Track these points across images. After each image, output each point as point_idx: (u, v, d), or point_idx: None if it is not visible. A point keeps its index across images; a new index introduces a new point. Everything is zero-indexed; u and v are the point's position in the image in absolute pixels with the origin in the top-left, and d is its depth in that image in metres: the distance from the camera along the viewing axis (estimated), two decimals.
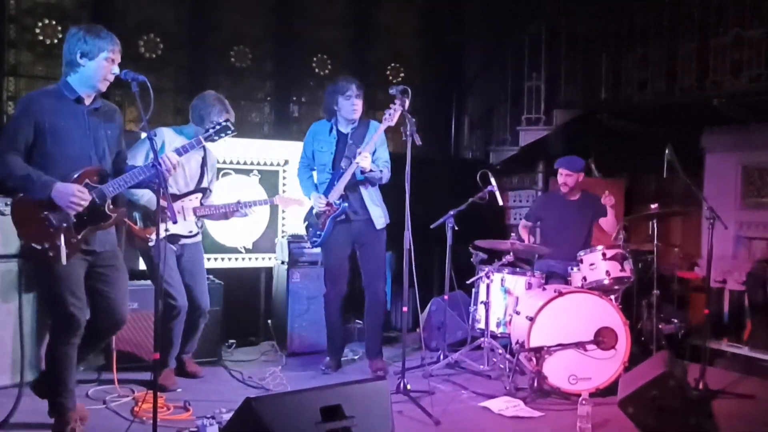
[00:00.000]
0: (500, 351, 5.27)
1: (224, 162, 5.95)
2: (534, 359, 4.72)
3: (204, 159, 4.90)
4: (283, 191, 6.20)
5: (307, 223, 5.31)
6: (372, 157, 5.03)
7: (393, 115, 4.82)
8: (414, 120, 4.59)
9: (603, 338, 4.76)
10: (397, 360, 5.10)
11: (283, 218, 6.28)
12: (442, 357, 5.49)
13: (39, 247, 3.44)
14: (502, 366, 5.23)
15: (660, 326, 5.74)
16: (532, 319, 4.76)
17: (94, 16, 6.31)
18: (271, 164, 6.23)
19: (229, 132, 4.02)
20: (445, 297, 5.75)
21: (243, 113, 7.21)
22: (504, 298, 5.50)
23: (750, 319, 6.41)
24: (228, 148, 5.89)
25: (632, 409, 4.05)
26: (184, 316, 4.77)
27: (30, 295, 4.60)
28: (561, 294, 4.83)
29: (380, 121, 4.97)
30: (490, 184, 5.55)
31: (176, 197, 4.66)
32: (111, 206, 3.62)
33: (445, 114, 8.29)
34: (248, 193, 5.88)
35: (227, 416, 3.84)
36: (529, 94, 7.46)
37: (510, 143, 7.70)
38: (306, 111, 7.63)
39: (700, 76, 6.40)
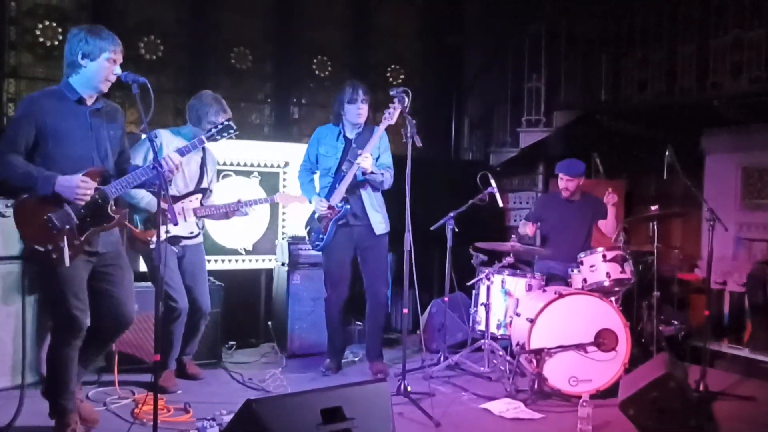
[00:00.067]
0: (501, 353, 5.27)
1: (224, 163, 5.95)
2: (534, 361, 4.72)
3: (203, 159, 4.90)
4: (285, 192, 6.18)
5: (309, 228, 5.30)
6: (375, 162, 5.05)
7: (393, 114, 4.83)
8: (414, 121, 4.59)
9: (603, 340, 4.76)
10: (397, 362, 5.10)
11: (284, 220, 6.28)
12: (442, 359, 5.49)
13: (42, 249, 3.44)
14: (502, 368, 5.23)
15: (660, 328, 5.74)
16: (532, 321, 4.76)
17: (94, 18, 6.31)
18: (272, 166, 6.23)
19: (231, 131, 4.01)
20: (446, 299, 5.75)
21: (243, 115, 7.22)
22: (504, 300, 5.50)
23: (750, 320, 6.41)
24: (228, 150, 5.90)
25: (633, 410, 4.05)
26: (184, 318, 4.77)
27: (30, 297, 4.59)
28: (561, 296, 4.83)
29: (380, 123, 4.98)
30: (490, 185, 5.55)
31: (176, 198, 4.65)
32: (114, 207, 3.62)
33: (445, 115, 8.29)
34: (248, 195, 5.86)
35: (227, 418, 3.84)
36: (529, 96, 7.47)
37: (510, 145, 7.70)
38: (306, 112, 7.64)
39: (700, 77, 6.41)
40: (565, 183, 5.83)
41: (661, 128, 7.21)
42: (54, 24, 6.31)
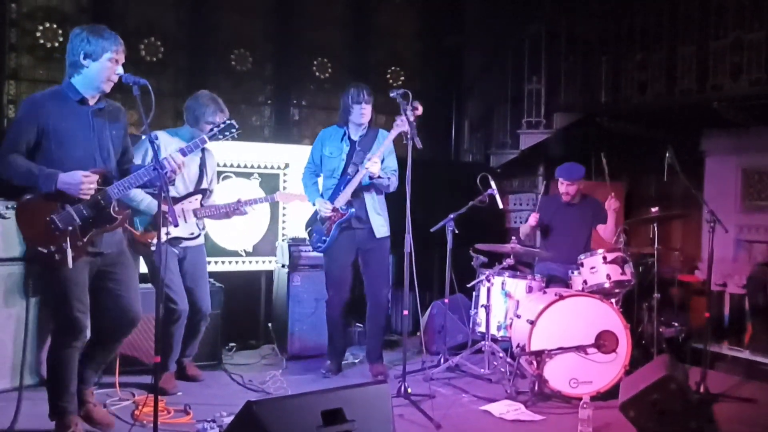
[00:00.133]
0: (501, 354, 5.26)
1: (224, 165, 5.95)
2: (535, 363, 4.72)
3: (203, 160, 4.89)
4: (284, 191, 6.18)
5: (310, 228, 5.30)
6: (381, 164, 5.06)
7: (405, 121, 4.84)
8: (414, 123, 4.59)
9: (604, 342, 4.76)
10: (397, 363, 5.09)
11: (284, 221, 6.28)
12: (442, 360, 5.48)
13: (45, 251, 3.44)
14: (502, 369, 5.22)
15: (661, 330, 5.73)
16: (532, 323, 4.76)
17: (94, 20, 6.30)
18: (272, 167, 6.23)
19: (234, 130, 3.99)
20: (446, 300, 5.75)
21: (243, 116, 7.21)
22: (505, 302, 5.49)
23: (750, 322, 6.40)
24: (228, 151, 5.90)
25: (633, 412, 4.05)
26: (184, 321, 4.77)
27: (32, 299, 4.59)
28: (562, 297, 4.83)
29: (383, 126, 4.98)
30: (490, 187, 5.55)
31: (176, 200, 4.65)
32: (116, 208, 3.62)
33: (446, 117, 8.29)
34: (249, 196, 5.86)
35: (228, 420, 3.84)
36: (529, 97, 7.47)
37: (510, 146, 7.70)
38: (306, 114, 7.64)
39: (700, 78, 6.41)
40: (565, 188, 5.84)
41: (661, 130, 7.21)
42: (54, 26, 6.31)
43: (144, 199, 4.53)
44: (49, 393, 3.68)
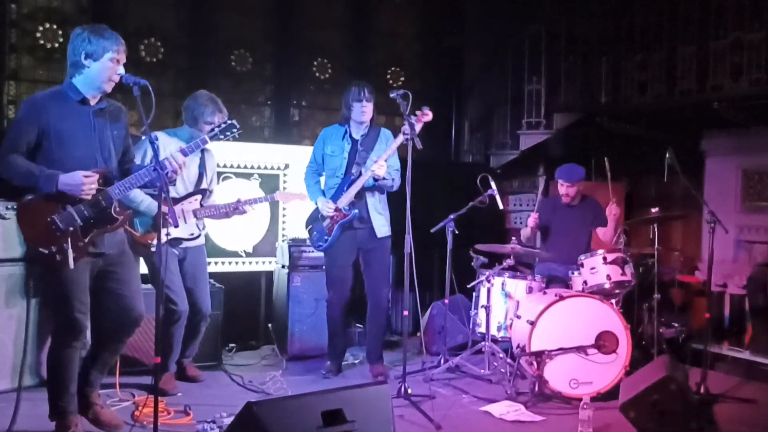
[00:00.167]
0: (501, 355, 5.26)
1: (225, 166, 5.95)
2: (535, 363, 4.72)
3: (202, 160, 4.89)
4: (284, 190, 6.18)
5: (310, 227, 5.30)
6: (370, 156, 5.08)
7: (419, 119, 4.86)
8: (415, 125, 4.59)
9: (604, 342, 4.76)
10: (397, 364, 5.09)
11: (284, 222, 6.28)
12: (442, 361, 5.48)
13: (46, 251, 3.44)
14: (503, 370, 5.22)
15: (661, 330, 5.73)
16: (533, 323, 4.76)
17: (95, 20, 6.28)
18: (272, 168, 6.23)
19: (235, 130, 3.98)
20: (446, 301, 5.74)
21: (243, 117, 7.21)
22: (505, 302, 5.49)
23: (751, 323, 6.40)
24: (228, 152, 5.91)
25: (633, 413, 4.05)
26: (184, 321, 4.77)
27: (33, 299, 4.59)
28: (562, 298, 4.83)
29: (385, 126, 4.99)
30: (490, 187, 5.54)
31: (176, 200, 4.65)
32: (117, 208, 3.62)
33: (445, 117, 8.29)
34: (248, 197, 5.86)
35: (228, 420, 3.84)
36: (529, 98, 7.47)
37: (510, 147, 7.70)
38: (306, 115, 7.64)
39: (700, 79, 6.41)
40: (565, 189, 5.84)
41: (661, 130, 7.21)
42: (54, 27, 6.31)
43: (144, 200, 4.53)
44: (49, 393, 3.68)
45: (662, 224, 5.67)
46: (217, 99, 4.79)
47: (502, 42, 7.86)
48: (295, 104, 7.60)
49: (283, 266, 5.97)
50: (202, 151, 4.84)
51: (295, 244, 5.92)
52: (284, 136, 7.30)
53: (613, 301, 5.20)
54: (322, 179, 5.33)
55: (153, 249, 4.54)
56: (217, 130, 3.97)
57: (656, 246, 5.53)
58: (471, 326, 5.70)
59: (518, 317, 5.13)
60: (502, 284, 5.52)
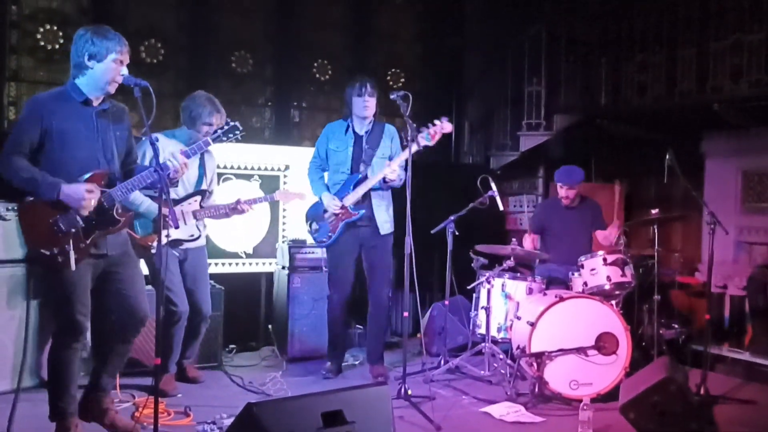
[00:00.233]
0: (501, 356, 5.26)
1: (225, 167, 5.95)
2: (535, 364, 4.72)
3: (202, 161, 4.89)
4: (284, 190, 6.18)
5: (312, 220, 5.28)
6: (390, 159, 5.12)
7: (431, 135, 4.88)
8: (414, 125, 4.60)
9: (604, 343, 4.76)
10: (398, 365, 5.09)
11: (284, 223, 6.29)
12: (442, 362, 5.48)
13: (48, 253, 3.43)
14: (503, 371, 5.22)
15: (661, 331, 5.73)
16: (533, 325, 4.76)
17: (95, 21, 6.25)
18: (272, 169, 6.24)
19: (238, 132, 3.97)
20: (446, 302, 5.75)
21: (243, 118, 7.20)
22: (505, 303, 5.49)
23: (751, 324, 6.40)
24: (229, 153, 5.91)
25: (633, 414, 4.05)
26: (185, 322, 4.77)
27: (34, 301, 4.59)
28: (562, 299, 4.83)
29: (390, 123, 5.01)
30: (490, 189, 5.55)
31: (175, 201, 4.64)
32: (119, 210, 3.62)
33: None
34: (248, 197, 5.87)
35: (228, 421, 3.85)
36: (529, 99, 7.47)
37: (510, 148, 7.70)
38: (306, 116, 7.64)
39: (700, 80, 6.41)
40: (565, 192, 5.84)
41: (661, 131, 7.21)
42: (55, 28, 6.31)
43: (143, 202, 4.52)
44: (49, 394, 3.67)
45: (662, 225, 5.67)
46: (215, 99, 4.78)
47: (502, 43, 7.86)
48: (295, 105, 7.60)
49: (283, 267, 5.97)
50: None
51: (295, 245, 5.92)
52: (284, 137, 7.30)
53: (613, 302, 5.21)
54: (326, 175, 5.32)
55: (153, 251, 4.54)
56: (219, 132, 3.97)
57: (656, 247, 5.53)
58: (471, 327, 5.70)
59: (518, 318, 5.13)
60: (502, 285, 5.52)
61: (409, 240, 4.53)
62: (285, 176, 6.27)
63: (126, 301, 3.70)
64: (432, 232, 5.67)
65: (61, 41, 6.31)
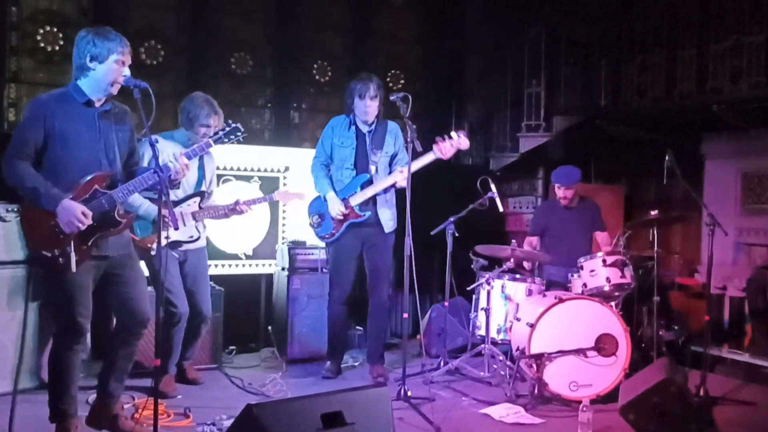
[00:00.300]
0: (501, 358, 5.27)
1: (225, 168, 5.95)
2: (535, 366, 4.72)
3: (201, 162, 4.88)
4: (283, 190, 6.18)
5: (316, 215, 5.27)
6: (394, 158, 5.16)
7: (446, 150, 4.90)
8: (414, 126, 4.60)
9: (604, 345, 4.76)
10: (397, 366, 5.09)
11: (284, 224, 6.29)
12: (442, 364, 5.48)
13: (49, 254, 3.43)
14: (502, 373, 5.23)
15: (660, 333, 5.74)
16: (532, 326, 4.76)
17: (95, 23, 6.25)
18: (272, 171, 6.24)
19: (239, 134, 3.96)
20: (446, 303, 5.75)
21: (243, 120, 7.15)
22: (504, 305, 5.49)
23: (750, 325, 6.40)
24: (228, 155, 5.91)
25: (633, 415, 4.04)
26: (184, 324, 4.77)
27: (34, 302, 4.60)
28: (561, 300, 4.83)
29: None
30: (490, 190, 5.55)
31: (174, 203, 4.64)
32: (121, 211, 3.62)
33: (445, 120, 8.29)
34: (247, 197, 5.87)
35: (228, 423, 3.85)
36: (529, 101, 7.47)
37: (510, 150, 7.70)
38: (306, 117, 7.64)
39: (700, 82, 6.42)
40: (563, 192, 5.85)
41: (660, 133, 7.21)
42: (55, 29, 6.31)
43: (142, 204, 4.52)
44: (49, 395, 3.67)
45: (662, 227, 5.68)
46: (213, 101, 4.78)
47: (502, 45, 7.86)
48: (295, 107, 7.60)
49: (282, 269, 5.97)
50: None
51: (295, 247, 5.92)
52: (284, 138, 7.30)
53: (613, 303, 5.21)
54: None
55: (153, 252, 4.54)
56: (221, 133, 3.95)
57: (656, 249, 5.53)
58: (471, 329, 5.70)
59: (518, 320, 5.14)
60: (502, 287, 5.52)
61: (408, 241, 4.53)
62: (285, 177, 6.28)
63: (127, 304, 3.70)
64: (432, 233, 5.68)
65: (61, 43, 6.31)
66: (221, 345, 5.57)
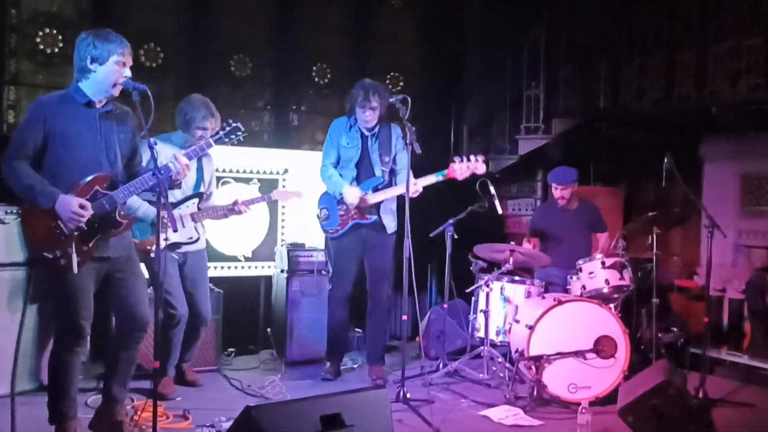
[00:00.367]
0: (500, 359, 5.27)
1: (224, 170, 5.96)
2: (533, 368, 4.72)
3: (199, 164, 4.89)
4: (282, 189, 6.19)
5: (323, 207, 5.27)
6: (395, 158, 5.20)
7: (462, 171, 4.93)
8: (414, 128, 4.61)
9: (602, 347, 4.76)
10: (396, 368, 5.10)
11: (283, 227, 6.29)
12: (441, 366, 5.48)
13: (50, 256, 3.43)
14: (501, 375, 5.23)
15: (659, 335, 5.74)
16: (531, 328, 4.76)
17: (95, 25, 6.28)
18: (271, 173, 6.24)
19: (239, 133, 3.96)
20: (445, 305, 5.76)
21: (243, 122, 7.09)
22: (503, 307, 5.49)
23: (749, 327, 6.40)
24: (228, 157, 5.91)
25: (632, 417, 4.05)
26: (183, 326, 4.77)
27: (33, 305, 4.59)
28: (560, 302, 4.84)
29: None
30: (489, 192, 5.55)
31: (173, 205, 4.64)
32: (122, 212, 3.62)
33: (445, 123, 8.29)
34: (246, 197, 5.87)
35: (227, 425, 3.85)
36: (528, 103, 7.47)
37: (509, 152, 7.70)
38: (306, 120, 7.63)
39: (699, 84, 6.42)
40: (560, 192, 5.86)
41: (659, 135, 7.21)
42: (54, 31, 6.31)
43: (140, 207, 4.51)
44: (49, 397, 3.67)
45: (661, 228, 5.68)
46: (210, 103, 4.77)
47: (501, 47, 7.86)
48: (294, 109, 7.60)
49: (282, 271, 5.97)
50: None
51: (294, 249, 5.93)
52: (283, 140, 7.30)
53: (612, 305, 5.21)
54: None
55: (152, 255, 4.54)
56: (221, 133, 3.95)
57: (655, 251, 5.54)
58: (470, 331, 5.70)
59: (517, 322, 5.14)
60: (501, 289, 5.52)
61: (408, 243, 4.54)
62: (284, 180, 6.28)
63: (127, 307, 3.70)
64: (431, 235, 5.68)
65: (61, 45, 6.31)
66: (220, 347, 5.57)
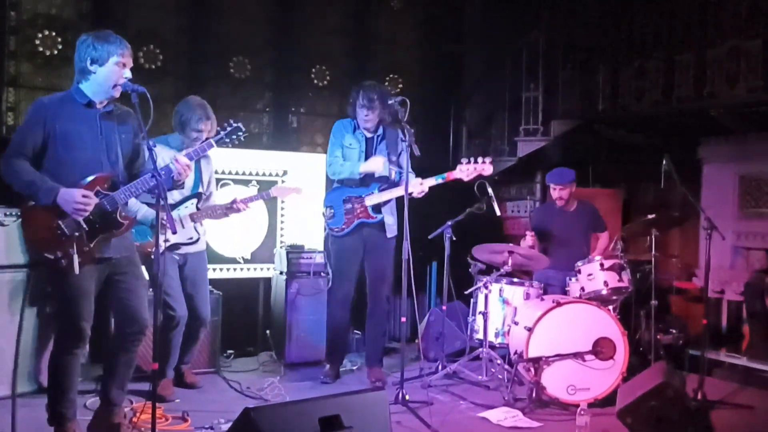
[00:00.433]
0: (499, 361, 5.27)
1: (223, 172, 5.96)
2: (532, 369, 4.72)
3: (198, 165, 4.88)
4: (283, 203, 6.20)
5: (329, 206, 5.27)
6: (397, 159, 5.20)
7: (469, 172, 4.97)
8: (413, 130, 4.61)
9: (601, 348, 4.76)
10: (395, 370, 5.10)
11: (282, 229, 6.29)
12: (440, 367, 5.49)
13: (51, 257, 3.43)
14: (500, 376, 5.23)
15: (658, 336, 5.74)
16: (530, 330, 4.77)
17: (94, 27, 6.29)
18: (270, 174, 6.24)
19: (240, 133, 3.95)
20: (444, 307, 5.76)
21: (242, 123, 7.18)
22: (502, 309, 5.50)
23: (748, 329, 6.41)
24: (227, 158, 5.91)
25: (631, 419, 4.05)
26: (183, 327, 4.77)
27: (33, 307, 4.59)
28: (559, 304, 4.84)
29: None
30: (487, 194, 5.56)
31: (172, 206, 4.63)
32: (123, 213, 3.62)
33: (444, 124, 8.30)
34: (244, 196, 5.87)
35: (226, 427, 3.85)
36: (527, 105, 7.48)
37: (508, 154, 7.71)
38: (305, 121, 7.64)
39: (697, 86, 6.42)
40: (558, 192, 5.86)
41: (658, 137, 7.22)
42: (54, 33, 6.32)
43: (139, 209, 4.50)
44: (48, 399, 3.68)
45: (660, 229, 5.68)
46: (207, 106, 4.77)
47: (500, 49, 7.87)
48: (293, 111, 7.60)
49: (281, 273, 5.98)
50: None
51: (293, 251, 5.93)
52: (283, 142, 7.31)
53: (611, 307, 5.21)
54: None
55: (153, 257, 4.53)
56: (222, 134, 3.93)
57: (653, 252, 5.54)
58: (469, 332, 5.70)
59: (516, 323, 5.14)
60: (500, 290, 5.53)
61: (407, 245, 4.54)
62: (283, 182, 6.28)
63: (127, 310, 3.71)
64: (430, 237, 5.68)
65: (60, 47, 6.31)
66: (219, 349, 5.57)
